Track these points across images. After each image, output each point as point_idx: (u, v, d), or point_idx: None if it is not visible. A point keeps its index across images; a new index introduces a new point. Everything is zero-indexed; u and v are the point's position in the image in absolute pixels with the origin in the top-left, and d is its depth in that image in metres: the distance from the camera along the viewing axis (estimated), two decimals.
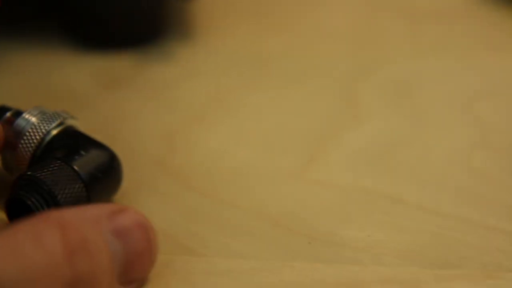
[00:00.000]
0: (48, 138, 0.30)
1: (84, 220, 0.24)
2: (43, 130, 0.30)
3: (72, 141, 0.30)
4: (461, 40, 0.45)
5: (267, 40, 0.45)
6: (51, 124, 0.30)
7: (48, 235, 0.22)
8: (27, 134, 0.30)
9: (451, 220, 0.31)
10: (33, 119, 0.30)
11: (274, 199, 0.32)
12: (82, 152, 0.29)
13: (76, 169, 0.28)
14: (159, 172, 0.33)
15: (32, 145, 0.30)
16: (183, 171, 0.33)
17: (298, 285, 0.27)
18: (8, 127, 0.30)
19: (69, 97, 0.39)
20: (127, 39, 0.43)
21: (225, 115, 0.38)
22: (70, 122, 0.31)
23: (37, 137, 0.30)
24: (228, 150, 0.35)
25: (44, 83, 0.41)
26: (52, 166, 0.28)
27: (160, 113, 0.38)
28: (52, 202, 0.27)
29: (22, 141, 0.30)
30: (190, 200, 0.32)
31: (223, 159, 0.34)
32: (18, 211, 0.28)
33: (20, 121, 0.30)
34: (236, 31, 0.46)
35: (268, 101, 0.39)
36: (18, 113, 0.31)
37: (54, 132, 0.30)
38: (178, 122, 0.37)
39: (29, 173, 0.28)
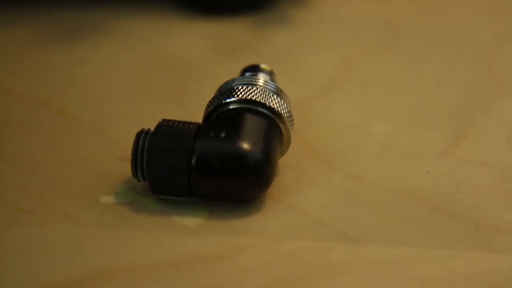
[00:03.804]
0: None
1: None
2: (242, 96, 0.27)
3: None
4: None
5: (391, 3, 0.42)
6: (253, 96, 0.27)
7: None
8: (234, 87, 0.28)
9: None
10: (260, 82, 0.28)
11: (428, 180, 0.29)
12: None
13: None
14: (296, 148, 0.30)
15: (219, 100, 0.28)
16: (321, 148, 0.31)
17: (471, 278, 0.24)
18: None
19: (184, 65, 0.37)
20: (242, 4, 0.41)
21: (357, 86, 0.35)
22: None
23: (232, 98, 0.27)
24: (367, 125, 0.32)
25: (155, 50, 0.39)
26: None
27: (285, 82, 0.35)
28: None
29: (222, 87, 0.28)
30: (335, 180, 0.29)
31: (362, 134, 0.32)
32: None
33: (248, 75, 0.30)
34: None
35: (402, 71, 0.36)
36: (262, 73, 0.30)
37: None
38: (307, 92, 0.35)
39: None
